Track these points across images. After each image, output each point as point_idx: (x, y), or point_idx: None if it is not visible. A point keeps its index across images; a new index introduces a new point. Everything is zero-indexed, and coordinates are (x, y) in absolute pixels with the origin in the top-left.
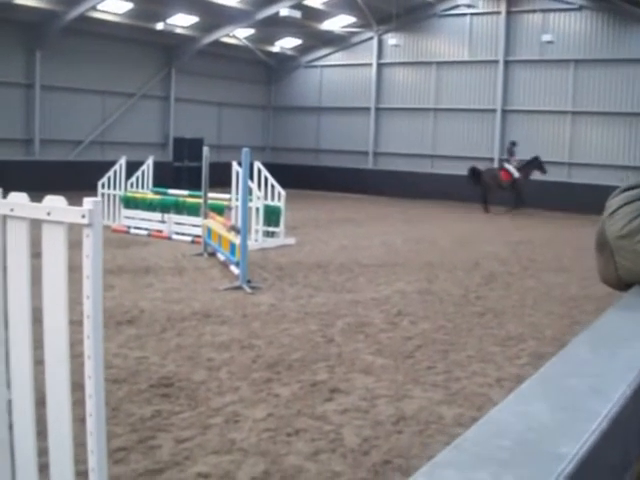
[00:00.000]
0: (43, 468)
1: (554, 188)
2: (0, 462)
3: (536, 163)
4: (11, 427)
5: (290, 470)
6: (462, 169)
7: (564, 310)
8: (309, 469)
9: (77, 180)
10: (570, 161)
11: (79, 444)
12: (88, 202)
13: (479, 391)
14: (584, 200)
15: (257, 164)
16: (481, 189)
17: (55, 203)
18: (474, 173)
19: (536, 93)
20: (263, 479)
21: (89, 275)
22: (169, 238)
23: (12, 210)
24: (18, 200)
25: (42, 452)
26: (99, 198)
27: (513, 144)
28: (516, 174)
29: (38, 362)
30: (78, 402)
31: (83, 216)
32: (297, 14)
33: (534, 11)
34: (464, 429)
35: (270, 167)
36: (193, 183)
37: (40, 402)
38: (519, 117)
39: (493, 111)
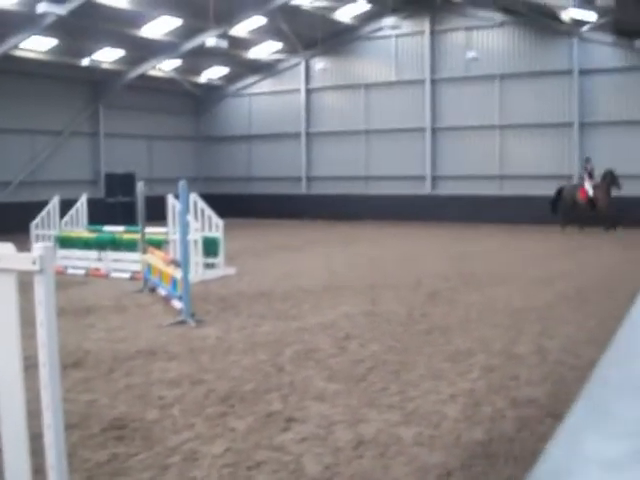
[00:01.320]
0: None
1: (487, 201)
2: None
3: (609, 178)
4: None
5: None
6: (395, 188)
7: (509, 322)
8: None
9: (7, 222)
10: (501, 174)
11: None
12: (38, 247)
13: (434, 409)
14: (516, 211)
15: (193, 195)
16: (560, 206)
17: (3, 250)
18: (559, 193)
19: (464, 109)
20: None
21: (42, 322)
22: (107, 276)
23: None
24: None
25: None
26: (50, 243)
27: (587, 160)
28: (591, 192)
29: None
30: (35, 452)
31: (34, 262)
32: (224, 44)
33: (457, 29)
34: (424, 448)
35: (203, 197)
36: (127, 218)
37: None
38: (449, 134)
39: (423, 129)
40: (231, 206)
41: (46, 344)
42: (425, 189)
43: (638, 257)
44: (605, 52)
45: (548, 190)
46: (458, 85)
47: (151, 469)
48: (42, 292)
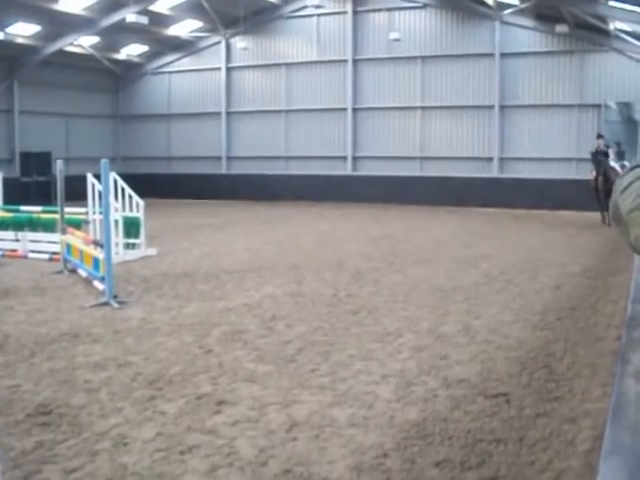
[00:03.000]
0: None
1: (408, 182)
2: None
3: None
4: None
5: None
6: (316, 169)
7: (435, 302)
8: None
9: None
10: (421, 155)
11: None
12: None
13: (367, 389)
14: (436, 192)
15: (113, 175)
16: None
17: None
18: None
19: (385, 90)
20: None
21: None
22: (25, 257)
23: None
24: None
25: None
26: None
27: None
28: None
29: None
30: None
31: None
32: (144, 20)
33: (380, 10)
34: (359, 429)
35: (122, 177)
36: (43, 198)
37: None
38: (370, 114)
39: (344, 110)
40: (150, 186)
41: None
42: (346, 169)
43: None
44: (526, 36)
45: (467, 172)
46: (380, 66)
47: (80, 456)
48: None
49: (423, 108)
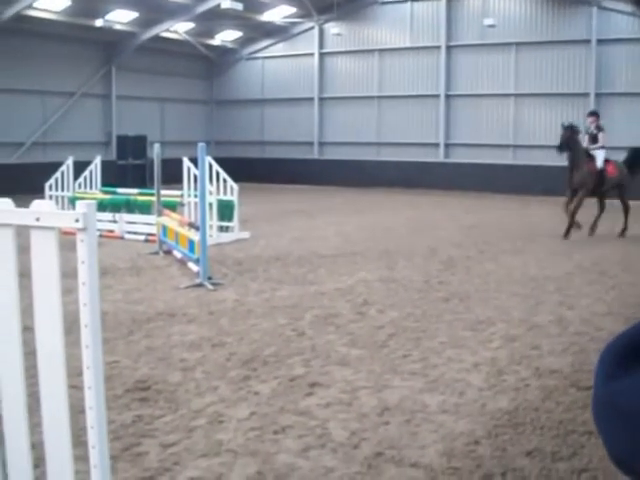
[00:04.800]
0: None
1: (500, 171)
2: None
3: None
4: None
5: (283, 469)
6: (408, 155)
7: (527, 291)
8: (301, 466)
9: (21, 183)
10: (514, 143)
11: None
12: (82, 205)
13: (458, 377)
14: (528, 181)
15: (208, 159)
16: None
17: (43, 208)
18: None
19: (479, 77)
20: None
21: (85, 282)
22: (122, 238)
23: None
24: (2, 206)
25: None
26: (93, 201)
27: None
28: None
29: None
30: (74, 413)
31: (77, 220)
32: (239, 6)
33: None
34: (450, 416)
35: (215, 161)
36: (138, 181)
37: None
38: (462, 101)
39: (436, 96)
40: (243, 170)
41: (88, 304)
42: (438, 156)
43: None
44: (625, 22)
45: (561, 161)
46: (474, 52)
47: (177, 431)
48: (85, 251)
49: (517, 95)
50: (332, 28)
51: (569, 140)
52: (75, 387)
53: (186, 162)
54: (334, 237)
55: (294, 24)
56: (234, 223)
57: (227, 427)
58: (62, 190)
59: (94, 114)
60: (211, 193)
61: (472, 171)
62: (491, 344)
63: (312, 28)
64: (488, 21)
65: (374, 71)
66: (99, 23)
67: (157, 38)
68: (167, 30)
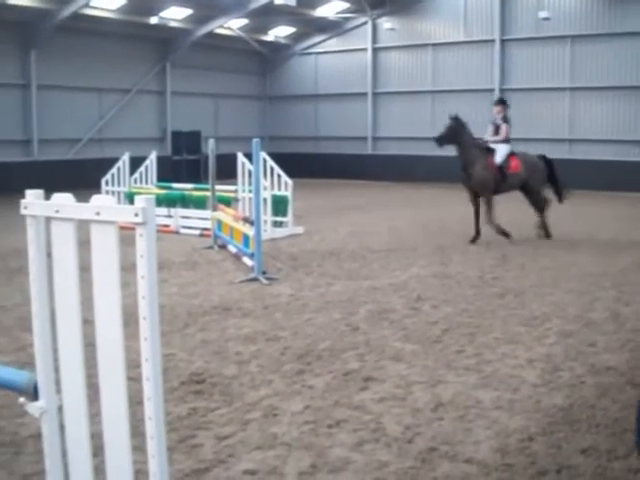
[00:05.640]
0: (99, 472)
1: (555, 165)
2: (53, 467)
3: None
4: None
5: (337, 462)
6: None
7: (583, 287)
8: (356, 460)
9: (77, 178)
10: (570, 137)
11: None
12: (141, 200)
13: (512, 373)
14: (585, 176)
15: (262, 154)
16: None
17: (104, 202)
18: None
19: (533, 71)
20: (311, 473)
21: (144, 275)
22: (177, 232)
23: (57, 211)
24: (63, 201)
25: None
26: (152, 196)
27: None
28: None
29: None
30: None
31: (136, 214)
32: (292, 2)
33: None
34: (504, 412)
35: (269, 156)
36: (192, 176)
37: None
38: (517, 95)
39: (491, 91)
40: (297, 165)
41: (147, 297)
42: None
43: None
44: None
45: (618, 155)
46: (528, 46)
47: (231, 424)
48: (144, 245)
49: (572, 89)
50: (385, 23)
51: (453, 133)
52: (132, 379)
53: (240, 157)
54: (388, 232)
55: (347, 19)
56: (288, 218)
57: (281, 420)
58: (118, 185)
59: (149, 110)
60: (265, 188)
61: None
62: (546, 340)
63: (365, 23)
64: (543, 14)
65: (427, 65)
66: (154, 20)
67: (211, 34)
68: (221, 26)
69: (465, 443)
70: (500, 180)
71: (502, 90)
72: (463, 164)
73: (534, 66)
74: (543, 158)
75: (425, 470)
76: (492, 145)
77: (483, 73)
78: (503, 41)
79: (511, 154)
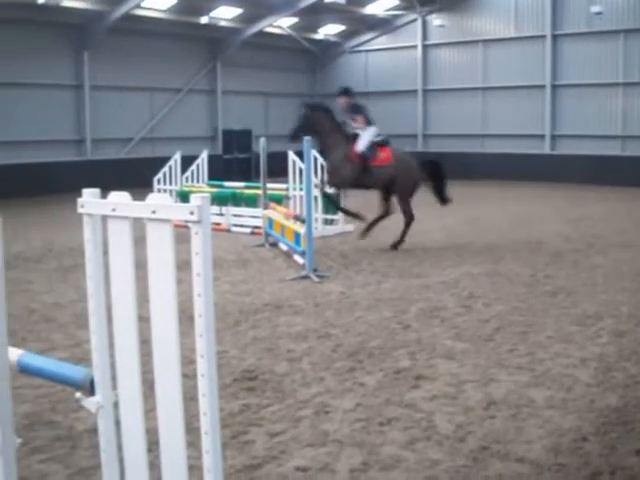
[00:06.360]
0: (154, 467)
1: (608, 162)
2: (108, 462)
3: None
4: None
5: (388, 460)
6: (513, 147)
7: (636, 286)
8: (407, 458)
9: (130, 177)
10: (624, 134)
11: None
12: (196, 198)
13: (565, 372)
14: (639, 174)
15: (313, 152)
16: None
17: (160, 201)
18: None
19: (586, 66)
20: (363, 470)
21: (199, 273)
22: (228, 230)
23: (114, 210)
24: (120, 199)
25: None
26: (207, 194)
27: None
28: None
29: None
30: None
31: (192, 213)
32: (342, 0)
33: None
34: (557, 411)
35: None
36: (243, 174)
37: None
38: (569, 92)
39: (542, 87)
40: None
41: (203, 294)
42: (544, 148)
43: None
44: None
45: None
46: (580, 41)
47: (283, 420)
48: (200, 242)
49: (625, 85)
50: (435, 20)
51: (308, 122)
52: (186, 376)
53: (291, 156)
54: (438, 230)
55: (397, 16)
56: (339, 216)
57: (333, 418)
58: (170, 184)
59: (200, 109)
60: (316, 186)
61: (579, 163)
62: (599, 339)
63: (415, 20)
64: (595, 8)
65: (478, 62)
66: (204, 20)
67: (261, 33)
68: (271, 25)
69: (517, 442)
70: (361, 171)
71: (554, 86)
72: (322, 153)
73: (586, 61)
74: (431, 163)
75: (477, 469)
76: (359, 132)
77: (534, 69)
78: (554, 36)
79: (382, 145)
